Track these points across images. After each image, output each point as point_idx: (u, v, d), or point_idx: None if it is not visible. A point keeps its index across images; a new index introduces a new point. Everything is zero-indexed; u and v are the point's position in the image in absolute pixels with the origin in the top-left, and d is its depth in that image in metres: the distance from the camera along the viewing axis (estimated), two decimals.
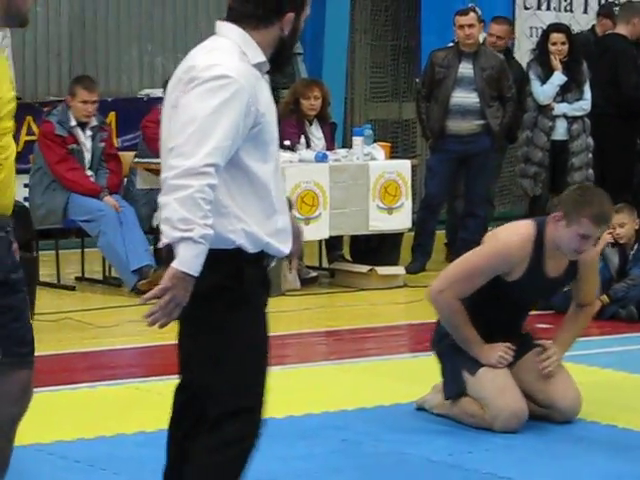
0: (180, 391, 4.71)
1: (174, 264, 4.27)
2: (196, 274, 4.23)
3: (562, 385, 6.73)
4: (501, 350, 6.54)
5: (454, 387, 6.77)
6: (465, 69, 11.61)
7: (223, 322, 4.56)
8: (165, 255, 4.38)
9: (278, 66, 4.79)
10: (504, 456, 6.47)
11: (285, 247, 4.60)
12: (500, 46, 12.17)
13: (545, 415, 6.67)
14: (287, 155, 10.64)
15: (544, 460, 6.35)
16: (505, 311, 6.70)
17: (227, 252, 4.48)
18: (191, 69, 4.41)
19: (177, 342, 4.77)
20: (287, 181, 10.35)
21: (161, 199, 4.35)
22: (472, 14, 11.80)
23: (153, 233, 10.48)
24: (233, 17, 4.57)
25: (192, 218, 4.28)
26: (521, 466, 6.28)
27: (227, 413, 4.52)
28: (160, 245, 4.48)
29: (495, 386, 6.55)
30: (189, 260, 4.30)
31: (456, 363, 6.63)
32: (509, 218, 10.44)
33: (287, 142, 10.81)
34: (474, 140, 11.45)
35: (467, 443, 6.64)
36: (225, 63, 4.44)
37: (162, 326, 4.25)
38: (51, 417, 7.16)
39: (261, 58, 4.52)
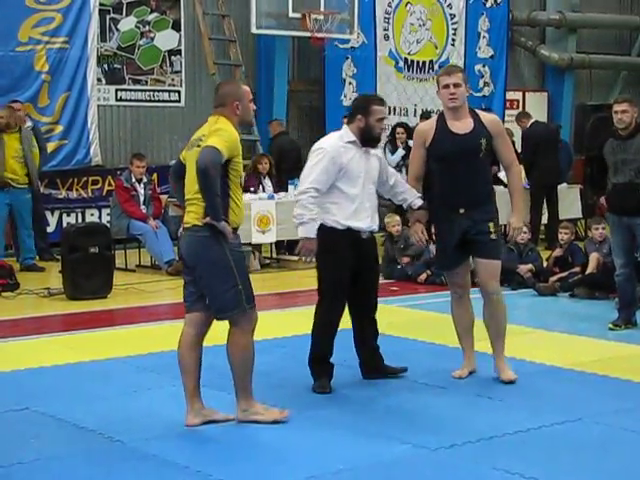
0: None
1: (300, 234, 6.32)
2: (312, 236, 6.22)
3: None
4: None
5: None
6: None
7: (323, 258, 6.41)
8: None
9: (364, 142, 6.48)
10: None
11: (356, 224, 6.38)
12: None
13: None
14: (252, 196, 12.27)
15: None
16: (445, 169, 6.60)
17: (327, 228, 6.36)
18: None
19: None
20: (252, 210, 11.83)
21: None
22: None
23: (177, 239, 11.15)
24: (347, 119, 6.69)
25: (302, 213, 6.28)
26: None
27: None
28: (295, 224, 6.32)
29: None
30: (305, 231, 6.25)
31: None
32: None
33: (252, 189, 12.46)
34: None
35: None
36: (324, 142, 6.47)
37: (306, 261, 6.39)
38: (130, 340, 8.29)
39: (350, 138, 6.46)
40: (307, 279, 10.82)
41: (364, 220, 6.49)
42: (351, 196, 6.43)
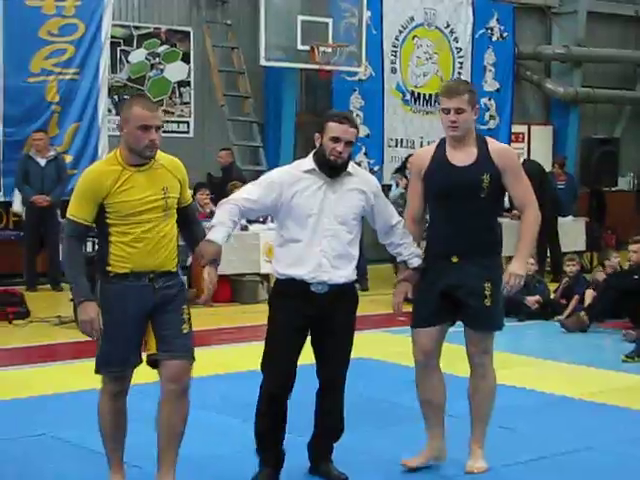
0: None
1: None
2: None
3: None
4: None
5: None
6: None
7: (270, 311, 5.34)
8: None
9: (322, 168, 5.23)
10: None
11: (298, 271, 5.15)
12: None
13: None
14: (261, 226, 12.42)
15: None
16: (440, 208, 5.48)
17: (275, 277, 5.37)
18: None
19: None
20: (261, 240, 12.08)
21: None
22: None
23: (186, 269, 11.73)
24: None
25: (216, 216, 5.16)
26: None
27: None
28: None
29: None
30: (210, 234, 5.03)
31: None
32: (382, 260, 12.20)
33: (261, 219, 12.27)
34: None
35: None
36: (274, 171, 5.40)
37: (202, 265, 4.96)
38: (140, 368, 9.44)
39: (308, 166, 5.26)
40: None
41: (311, 267, 5.20)
42: (296, 238, 5.23)
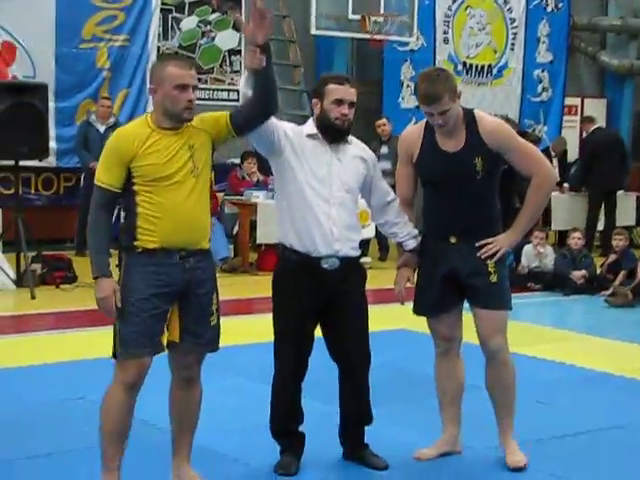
0: None
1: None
2: None
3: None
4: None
5: None
6: (384, 149, 12.81)
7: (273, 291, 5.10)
8: None
9: (324, 133, 5.00)
10: None
11: (312, 244, 4.94)
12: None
13: None
14: None
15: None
16: (434, 193, 5.17)
17: (280, 247, 5.09)
18: None
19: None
20: None
21: None
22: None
23: (233, 237, 12.65)
24: None
25: None
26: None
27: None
28: None
29: None
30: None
31: None
32: None
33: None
34: None
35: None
36: (284, 122, 5.02)
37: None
38: None
39: (310, 131, 5.05)
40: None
41: (322, 236, 4.95)
42: (303, 203, 4.97)
